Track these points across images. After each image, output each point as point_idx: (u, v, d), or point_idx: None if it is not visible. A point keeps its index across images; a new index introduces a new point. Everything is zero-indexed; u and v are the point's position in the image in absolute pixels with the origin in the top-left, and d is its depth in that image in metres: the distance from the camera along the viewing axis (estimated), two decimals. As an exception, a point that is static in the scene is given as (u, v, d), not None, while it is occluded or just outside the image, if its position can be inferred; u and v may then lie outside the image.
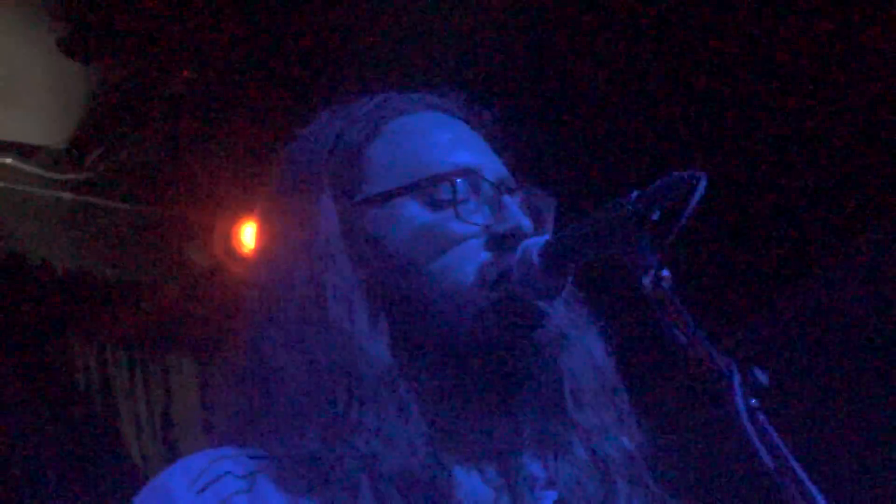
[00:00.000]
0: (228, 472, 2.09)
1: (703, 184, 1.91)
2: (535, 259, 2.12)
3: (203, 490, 2.08)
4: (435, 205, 2.18)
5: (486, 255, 2.16)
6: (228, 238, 6.01)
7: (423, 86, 2.37)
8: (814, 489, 1.74)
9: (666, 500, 2.26)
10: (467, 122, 2.34)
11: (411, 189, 2.19)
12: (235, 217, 6.00)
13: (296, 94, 5.63)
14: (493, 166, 2.26)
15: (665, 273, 1.92)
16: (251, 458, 2.12)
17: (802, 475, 1.75)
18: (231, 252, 6.00)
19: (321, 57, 5.45)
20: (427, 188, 2.19)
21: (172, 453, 6.50)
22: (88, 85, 5.68)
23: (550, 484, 2.19)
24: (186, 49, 5.55)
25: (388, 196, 2.20)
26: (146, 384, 6.53)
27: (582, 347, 2.25)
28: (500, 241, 2.16)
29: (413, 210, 2.19)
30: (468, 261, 2.15)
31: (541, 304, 2.14)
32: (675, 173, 1.95)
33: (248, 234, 5.98)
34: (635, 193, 1.99)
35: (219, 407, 2.23)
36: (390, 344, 2.14)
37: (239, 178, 5.86)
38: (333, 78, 5.43)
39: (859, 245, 6.25)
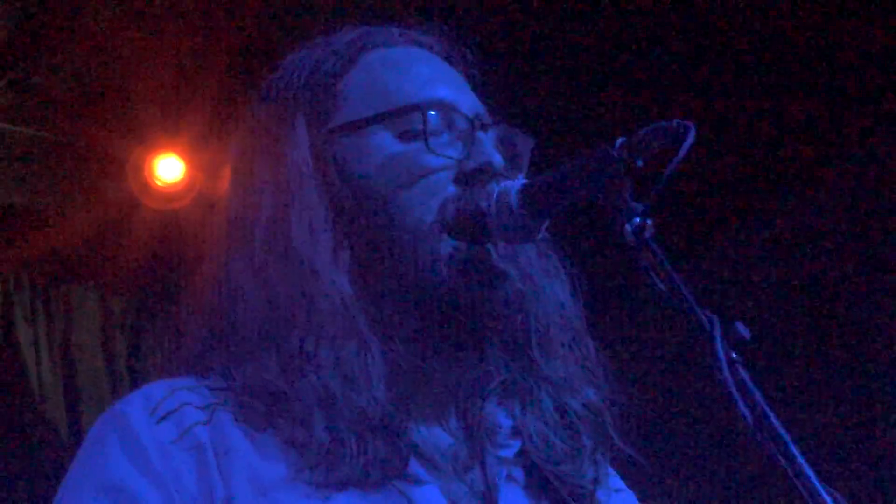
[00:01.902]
0: (188, 403, 2.07)
1: (691, 135, 1.90)
2: (514, 199, 2.09)
3: (163, 419, 2.05)
4: (407, 136, 2.15)
5: (453, 190, 2.13)
6: (143, 171, 5.92)
7: (403, 22, 2.34)
8: (792, 445, 1.75)
9: (631, 455, 2.25)
10: (447, 59, 2.31)
11: (383, 118, 2.16)
12: (151, 150, 5.92)
13: (216, 30, 5.55)
14: (469, 102, 2.23)
15: (648, 222, 1.90)
16: (210, 389, 2.10)
17: (781, 430, 1.75)
18: (145, 186, 5.92)
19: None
20: (399, 118, 2.16)
21: (70, 382, 6.43)
22: (1, 9, 5.55)
23: (515, 433, 2.17)
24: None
25: (359, 124, 2.17)
26: (48, 312, 6.44)
27: (551, 296, 2.22)
28: (470, 176, 2.13)
29: (384, 140, 2.16)
30: (434, 195, 2.12)
31: (501, 265, 2.11)
32: (663, 122, 1.94)
33: (163, 168, 5.89)
34: (621, 140, 1.97)
35: (181, 335, 2.20)
36: (352, 277, 2.11)
37: (156, 111, 5.78)
38: (271, 17, 5.35)
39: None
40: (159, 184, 5.90)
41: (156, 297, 6.46)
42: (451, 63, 2.31)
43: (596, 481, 2.19)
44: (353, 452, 1.99)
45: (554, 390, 2.20)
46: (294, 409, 2.03)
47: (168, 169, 5.91)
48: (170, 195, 5.94)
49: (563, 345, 2.23)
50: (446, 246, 2.10)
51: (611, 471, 2.28)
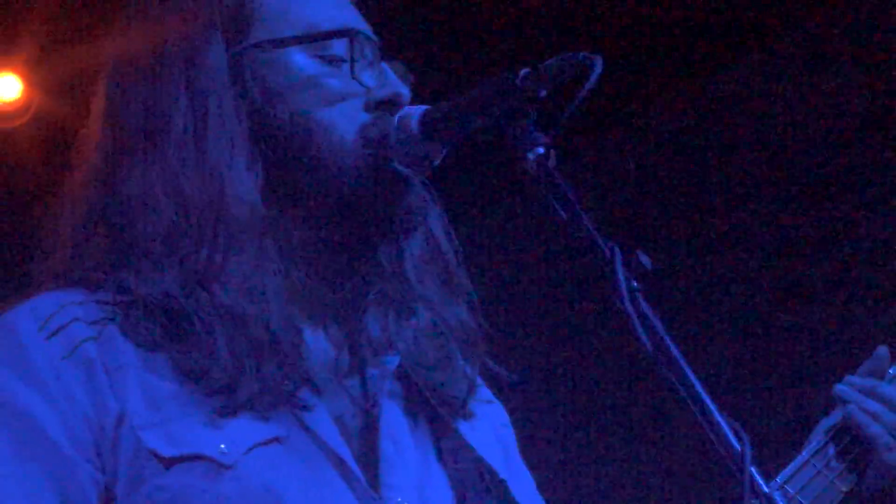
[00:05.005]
0: (77, 319, 2.05)
1: (598, 67, 1.92)
2: (414, 125, 2.12)
3: (53, 335, 2.03)
4: (325, 59, 2.18)
5: (366, 117, 2.16)
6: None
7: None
8: (691, 373, 1.79)
9: (498, 374, 2.30)
10: None
11: (304, 40, 2.19)
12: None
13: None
14: (370, 31, 2.27)
15: (551, 152, 1.93)
16: (99, 303, 2.08)
17: (680, 359, 1.80)
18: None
19: None
20: (320, 42, 2.19)
21: None
22: None
23: (391, 346, 2.20)
24: None
25: (278, 43, 2.19)
26: None
27: (425, 226, 2.26)
28: (380, 106, 2.17)
29: (302, 61, 2.18)
30: (350, 119, 2.15)
31: (406, 171, 2.14)
32: (570, 54, 1.96)
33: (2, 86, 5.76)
34: (524, 70, 1.99)
35: (63, 245, 2.16)
36: (263, 189, 2.12)
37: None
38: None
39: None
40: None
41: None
42: None
43: (468, 391, 2.24)
44: (250, 378, 2.02)
45: (427, 304, 2.24)
46: (192, 323, 2.03)
47: (5, 87, 5.77)
48: (6, 114, 5.80)
49: (436, 268, 2.27)
50: (368, 158, 2.13)
51: (481, 382, 2.33)
